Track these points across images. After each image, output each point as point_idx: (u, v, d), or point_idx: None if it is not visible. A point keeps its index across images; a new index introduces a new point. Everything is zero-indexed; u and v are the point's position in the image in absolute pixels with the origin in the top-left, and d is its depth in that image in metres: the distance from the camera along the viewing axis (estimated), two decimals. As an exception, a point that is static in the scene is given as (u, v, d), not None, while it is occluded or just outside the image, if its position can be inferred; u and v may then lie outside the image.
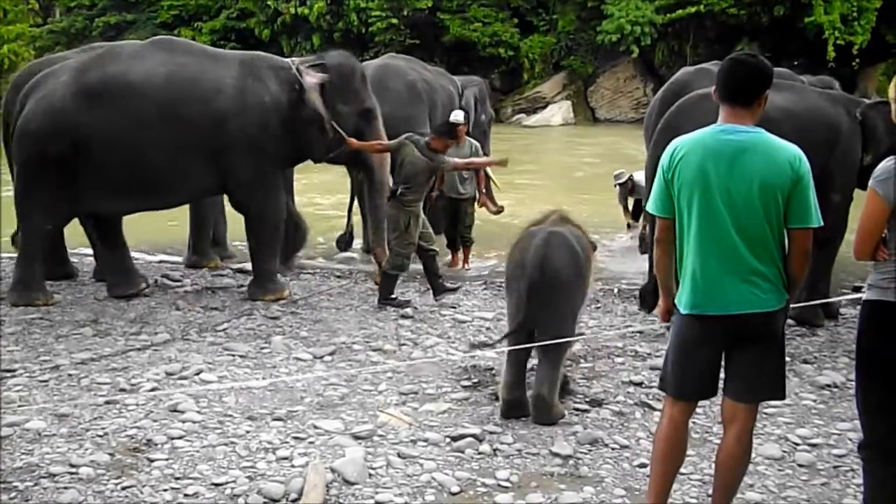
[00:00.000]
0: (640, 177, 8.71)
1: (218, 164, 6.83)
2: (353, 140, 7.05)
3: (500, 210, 8.26)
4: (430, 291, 7.11)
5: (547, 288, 4.44)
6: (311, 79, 6.95)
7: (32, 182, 6.77)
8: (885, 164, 3.17)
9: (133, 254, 8.78)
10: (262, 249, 7.13)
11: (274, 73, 6.96)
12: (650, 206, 3.37)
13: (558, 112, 29.88)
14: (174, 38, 7.42)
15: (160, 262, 8.86)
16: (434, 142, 6.78)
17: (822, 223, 3.20)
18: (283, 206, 7.17)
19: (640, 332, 6.11)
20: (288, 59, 7.29)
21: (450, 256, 8.68)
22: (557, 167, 17.99)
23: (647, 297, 6.30)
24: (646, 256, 6.54)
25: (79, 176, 6.67)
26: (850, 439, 4.32)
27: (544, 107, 30.29)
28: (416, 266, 7.23)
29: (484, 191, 8.41)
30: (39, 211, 6.80)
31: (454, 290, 7.07)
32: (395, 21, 30.49)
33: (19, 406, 4.69)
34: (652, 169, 6.11)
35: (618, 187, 9.91)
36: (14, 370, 5.29)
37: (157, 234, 9.62)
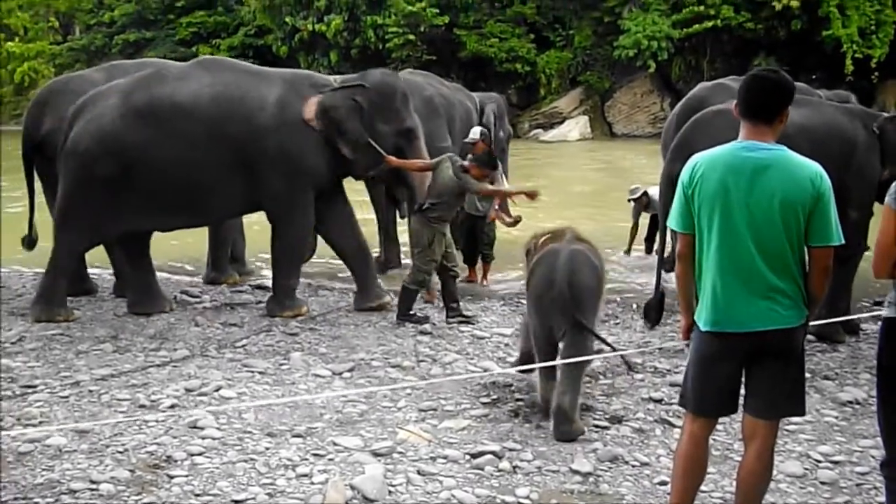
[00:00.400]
0: (654, 192, 8.66)
1: (255, 180, 6.90)
2: (392, 158, 7.08)
3: (516, 221, 8.24)
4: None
5: (574, 303, 4.57)
6: (311, 105, 6.95)
7: (77, 201, 6.84)
8: None
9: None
10: (283, 265, 7.17)
11: (316, 91, 7.03)
12: (671, 223, 3.37)
13: (575, 127, 29.87)
14: (219, 58, 7.55)
15: (179, 278, 8.90)
16: (473, 169, 6.78)
17: (843, 241, 3.19)
18: (309, 225, 7.22)
19: (660, 348, 6.08)
20: (330, 78, 7.36)
21: (467, 272, 8.67)
22: (574, 182, 17.95)
23: (651, 312, 6.26)
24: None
25: (124, 196, 6.74)
26: (873, 457, 4.29)
27: (561, 122, 30.30)
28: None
29: (497, 206, 8.37)
30: (79, 230, 6.89)
31: (468, 319, 6.98)
32: (412, 37, 30.60)
33: (40, 422, 4.72)
34: (666, 185, 6.11)
35: (632, 203, 9.88)
36: (35, 386, 5.32)
37: (175, 250, 9.67)
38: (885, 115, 6.66)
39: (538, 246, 5.02)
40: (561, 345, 4.69)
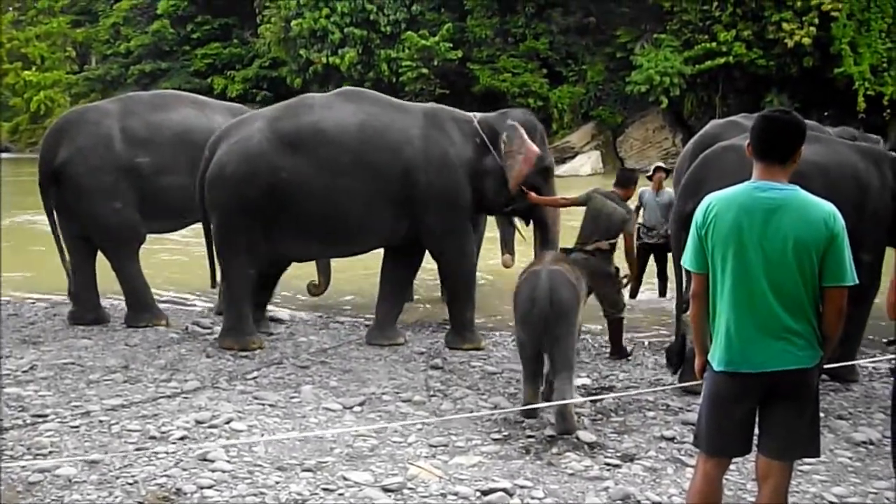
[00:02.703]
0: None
1: (408, 214, 6.94)
2: (534, 195, 7.13)
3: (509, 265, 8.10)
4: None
5: (555, 317, 5.16)
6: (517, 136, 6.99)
7: (232, 226, 6.86)
8: None
9: (163, 299, 8.92)
10: (457, 300, 7.23)
11: (457, 126, 7.10)
12: (685, 262, 3.37)
13: (587, 162, 29.95)
14: (360, 90, 7.57)
15: (190, 308, 8.92)
16: (622, 192, 6.92)
17: (857, 281, 3.18)
18: (473, 255, 7.29)
19: (672, 385, 6.05)
20: (469, 114, 7.39)
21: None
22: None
23: (674, 358, 6.19)
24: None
25: (273, 221, 6.78)
26: (888, 498, 4.25)
27: (573, 156, 30.38)
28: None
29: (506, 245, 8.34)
30: (241, 255, 6.89)
31: (628, 355, 7.03)
32: (425, 71, 30.83)
33: (50, 452, 4.72)
34: (678, 224, 6.08)
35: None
36: (46, 415, 5.32)
37: (186, 280, 9.70)
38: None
39: (524, 274, 5.57)
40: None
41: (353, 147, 6.78)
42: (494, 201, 7.21)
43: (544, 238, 7.42)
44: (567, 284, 5.30)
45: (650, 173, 9.20)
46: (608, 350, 7.11)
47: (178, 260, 12.05)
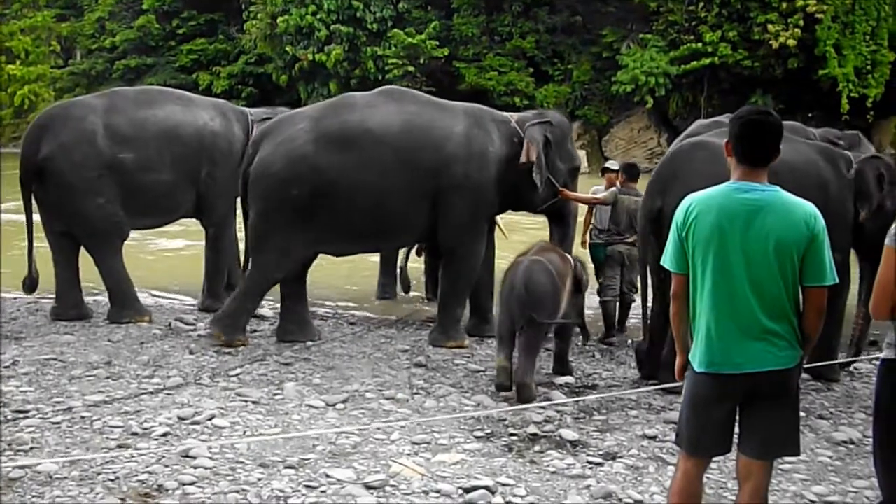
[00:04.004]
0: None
1: (438, 209, 7.03)
2: (569, 192, 7.43)
3: None
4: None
5: (530, 303, 5.70)
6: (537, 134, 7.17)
7: (270, 224, 6.88)
8: None
9: (146, 296, 8.89)
10: (453, 296, 7.27)
11: (496, 126, 7.22)
12: (665, 262, 3.38)
13: (573, 161, 29.91)
14: (402, 89, 7.63)
15: (174, 305, 8.89)
16: (635, 185, 7.65)
17: (837, 280, 3.22)
18: (481, 256, 7.33)
19: (655, 384, 6.06)
20: (507, 114, 7.53)
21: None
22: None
23: (645, 360, 6.20)
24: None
25: (314, 219, 6.81)
26: (868, 497, 4.28)
27: (558, 155, 30.33)
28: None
29: None
30: (274, 254, 6.93)
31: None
32: (411, 69, 30.76)
33: (31, 448, 4.69)
34: (645, 220, 6.09)
35: None
36: (27, 411, 5.29)
37: (170, 276, 9.66)
38: (865, 155, 6.60)
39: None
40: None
41: (398, 146, 6.86)
42: (531, 199, 7.36)
43: (563, 233, 7.64)
44: (545, 273, 5.84)
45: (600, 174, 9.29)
46: (591, 350, 7.16)
47: (163, 256, 12.01)
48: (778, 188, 3.20)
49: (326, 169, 6.75)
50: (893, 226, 3.21)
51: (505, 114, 7.52)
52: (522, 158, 7.03)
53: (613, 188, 7.73)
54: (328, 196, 6.76)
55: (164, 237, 11.03)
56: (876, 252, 6.35)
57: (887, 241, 3.19)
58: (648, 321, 6.23)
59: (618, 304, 7.71)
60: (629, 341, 7.55)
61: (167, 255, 11.96)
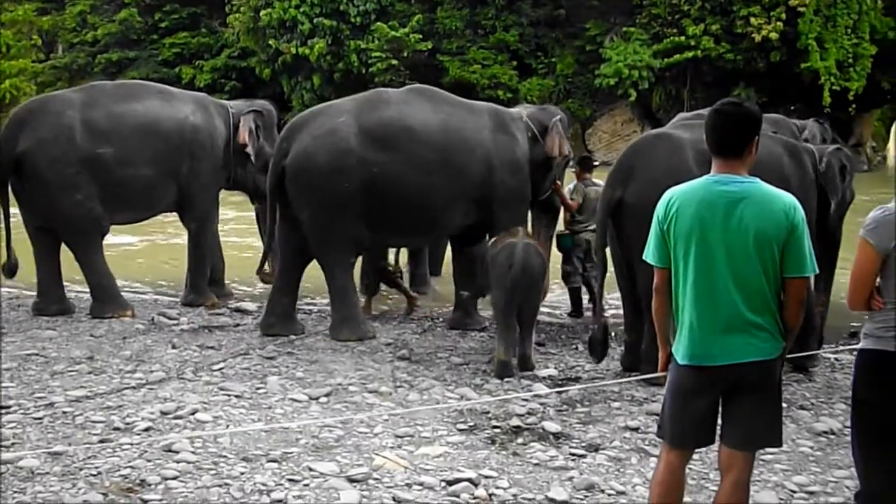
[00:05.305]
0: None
1: (478, 209, 7.18)
2: (560, 187, 7.82)
3: None
4: (427, 333, 7.17)
5: (527, 281, 6.14)
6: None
7: (327, 219, 6.93)
8: (873, 214, 3.21)
9: (129, 291, 8.86)
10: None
11: (514, 123, 7.35)
12: (647, 256, 3.38)
13: (556, 153, 29.92)
14: (429, 87, 7.64)
15: (157, 299, 8.86)
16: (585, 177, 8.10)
17: (817, 271, 3.23)
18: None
19: (637, 376, 6.08)
20: (513, 109, 7.75)
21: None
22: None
23: (597, 347, 6.19)
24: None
25: (364, 211, 6.89)
26: (848, 487, 4.30)
27: (542, 148, 30.34)
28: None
29: None
30: (338, 244, 7.01)
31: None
32: (394, 62, 30.71)
33: (13, 443, 4.67)
34: (604, 211, 6.07)
35: None
36: (8, 406, 5.26)
37: (153, 271, 9.63)
38: (831, 148, 6.61)
39: (496, 243, 6.49)
40: None
41: (438, 145, 6.98)
42: (540, 190, 7.57)
43: (549, 222, 8.01)
44: (537, 255, 6.29)
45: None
46: (574, 342, 7.19)
47: (145, 251, 11.97)
48: (758, 180, 3.20)
49: (372, 163, 6.84)
50: (868, 217, 3.22)
51: (515, 110, 7.69)
52: (554, 152, 7.31)
53: (578, 184, 8.11)
54: (372, 192, 6.85)
55: (145, 231, 10.96)
56: (834, 242, 6.51)
57: (861, 232, 3.21)
58: (623, 316, 6.43)
59: (584, 288, 8.15)
60: (612, 334, 7.54)
61: (149, 249, 11.90)
